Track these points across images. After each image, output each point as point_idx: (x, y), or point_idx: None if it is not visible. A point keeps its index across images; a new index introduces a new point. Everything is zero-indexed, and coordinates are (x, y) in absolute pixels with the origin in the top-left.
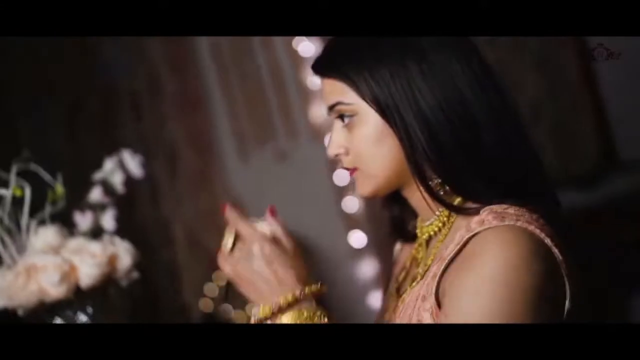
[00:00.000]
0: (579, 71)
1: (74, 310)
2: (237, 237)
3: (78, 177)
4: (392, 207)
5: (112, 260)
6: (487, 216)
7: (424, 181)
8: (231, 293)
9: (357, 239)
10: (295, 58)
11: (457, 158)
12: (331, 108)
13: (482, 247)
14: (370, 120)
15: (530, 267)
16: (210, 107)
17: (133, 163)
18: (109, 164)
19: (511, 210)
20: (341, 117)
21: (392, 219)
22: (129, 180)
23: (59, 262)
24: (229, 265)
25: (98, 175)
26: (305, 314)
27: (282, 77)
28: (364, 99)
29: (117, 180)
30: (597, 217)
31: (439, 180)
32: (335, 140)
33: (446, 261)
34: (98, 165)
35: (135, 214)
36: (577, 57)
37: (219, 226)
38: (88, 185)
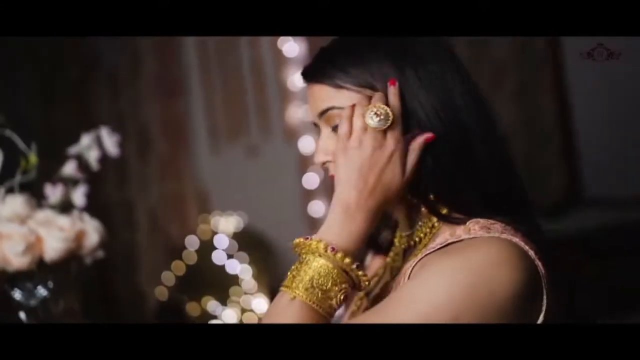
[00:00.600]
0: (554, 104)
1: (35, 283)
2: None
3: (50, 149)
4: None
5: (79, 237)
6: (474, 226)
7: (421, 191)
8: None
9: None
10: (279, 57)
11: (453, 168)
12: (322, 114)
13: (466, 244)
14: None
15: (509, 272)
16: (188, 96)
17: (110, 141)
18: (85, 140)
19: (497, 225)
20: (334, 124)
21: None
22: (104, 158)
23: (25, 232)
24: (342, 142)
25: (73, 150)
26: (331, 269)
27: (264, 75)
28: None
29: (93, 157)
30: (559, 248)
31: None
32: (323, 147)
33: (423, 254)
34: (70, 137)
35: (100, 193)
36: (554, 87)
37: (182, 215)
38: (60, 158)
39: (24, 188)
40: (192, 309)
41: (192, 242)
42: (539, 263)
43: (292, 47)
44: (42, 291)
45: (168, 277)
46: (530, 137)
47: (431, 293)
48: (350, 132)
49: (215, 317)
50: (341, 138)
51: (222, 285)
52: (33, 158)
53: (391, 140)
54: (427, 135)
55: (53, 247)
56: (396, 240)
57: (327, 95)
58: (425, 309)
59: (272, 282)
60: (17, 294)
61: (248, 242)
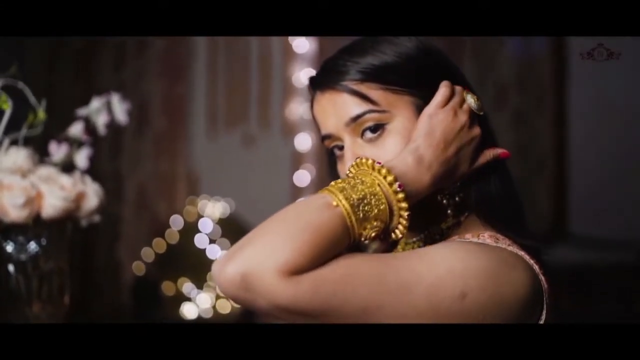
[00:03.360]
0: (550, 140)
1: (28, 238)
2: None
3: (55, 109)
4: None
5: (79, 198)
6: (483, 233)
7: (453, 192)
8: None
9: None
10: (289, 52)
11: (498, 184)
12: (355, 119)
13: (478, 244)
14: (403, 128)
15: (519, 274)
16: (192, 77)
17: (120, 108)
18: (96, 103)
19: (506, 239)
20: (364, 130)
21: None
22: (111, 124)
23: (26, 186)
24: (434, 106)
25: (82, 111)
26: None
27: (270, 67)
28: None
29: (101, 121)
30: None
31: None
32: (356, 154)
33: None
34: (71, 101)
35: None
36: (552, 125)
37: (171, 195)
38: (66, 120)
39: (28, 143)
40: (167, 287)
41: (176, 222)
42: (542, 278)
43: (303, 43)
44: (34, 247)
45: (148, 253)
46: (525, 163)
47: (448, 259)
48: (446, 102)
49: (189, 300)
50: (436, 102)
51: (201, 269)
52: (41, 114)
53: (477, 128)
54: (504, 151)
55: (52, 204)
56: (400, 248)
57: (356, 100)
58: (441, 270)
59: None
60: (9, 246)
61: (232, 230)
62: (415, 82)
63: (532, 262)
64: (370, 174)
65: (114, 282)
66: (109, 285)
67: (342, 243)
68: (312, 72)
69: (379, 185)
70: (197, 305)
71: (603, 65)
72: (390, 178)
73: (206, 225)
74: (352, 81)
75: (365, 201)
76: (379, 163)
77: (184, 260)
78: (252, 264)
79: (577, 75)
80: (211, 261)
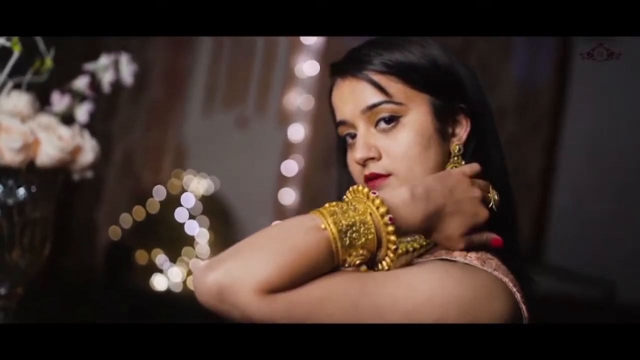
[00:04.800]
0: (538, 165)
1: (18, 183)
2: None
3: (61, 60)
4: None
5: (75, 151)
6: (471, 254)
7: None
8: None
9: None
10: (295, 41)
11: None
12: (372, 107)
13: (462, 267)
14: (418, 123)
15: (498, 306)
16: (195, 51)
17: (127, 69)
18: (104, 60)
19: (493, 261)
20: (379, 120)
21: None
22: (117, 83)
23: (25, 131)
24: (457, 170)
25: (89, 66)
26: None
27: (275, 53)
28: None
29: (106, 79)
30: None
31: None
32: (366, 143)
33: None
34: (78, 56)
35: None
36: (541, 156)
37: (157, 165)
38: (71, 74)
39: (31, 89)
40: (140, 256)
41: (159, 193)
42: (523, 307)
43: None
44: (22, 193)
45: (126, 220)
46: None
47: (427, 286)
48: (472, 175)
49: (160, 271)
50: (463, 169)
51: (177, 243)
52: (48, 62)
53: (485, 212)
54: (497, 238)
55: (48, 153)
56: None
57: (374, 90)
58: (418, 298)
59: None
60: None
61: (213, 208)
62: (436, 87)
63: (514, 290)
64: (364, 202)
65: (89, 243)
66: (83, 244)
67: (325, 266)
68: (316, 65)
69: (370, 214)
70: (168, 278)
71: (602, 100)
72: (382, 209)
73: (188, 200)
74: (373, 71)
75: (354, 228)
76: (374, 193)
77: (161, 232)
78: (231, 277)
79: (575, 107)
80: (188, 237)
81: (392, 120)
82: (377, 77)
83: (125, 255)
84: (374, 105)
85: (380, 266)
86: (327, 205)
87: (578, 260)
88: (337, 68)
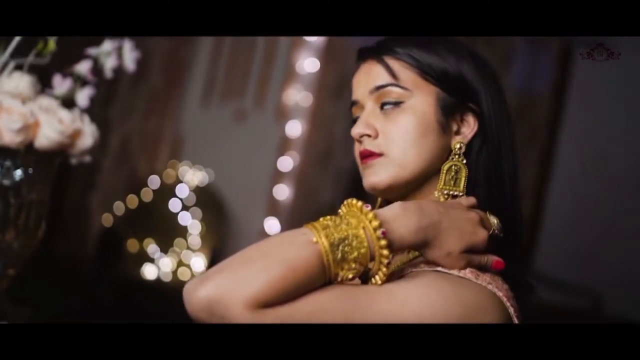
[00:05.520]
0: (532, 175)
1: (15, 164)
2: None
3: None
4: None
5: (75, 135)
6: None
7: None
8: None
9: (271, 225)
10: (296, 38)
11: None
12: (378, 88)
13: (456, 280)
14: (420, 110)
15: (490, 320)
16: (197, 43)
17: (130, 56)
18: (107, 45)
19: (487, 275)
20: (385, 102)
21: None
22: (118, 69)
23: (25, 112)
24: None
25: (92, 51)
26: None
27: (276, 49)
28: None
29: (109, 64)
30: None
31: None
32: (367, 121)
33: (410, 266)
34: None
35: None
36: (538, 164)
37: (154, 154)
38: (73, 57)
39: (32, 70)
40: (131, 245)
41: (154, 182)
42: (516, 320)
43: None
44: (19, 174)
45: (119, 207)
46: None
47: (418, 303)
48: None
49: (151, 261)
50: (459, 200)
51: (169, 233)
52: (52, 44)
53: (484, 233)
54: (499, 260)
55: (47, 135)
56: None
57: (386, 73)
58: (409, 314)
59: (215, 246)
60: None
61: (207, 201)
62: (448, 85)
63: (508, 304)
64: (358, 216)
65: (81, 228)
66: (75, 230)
67: (317, 281)
68: (317, 62)
69: (363, 228)
70: (158, 267)
71: (598, 116)
72: (375, 223)
73: (183, 190)
74: (391, 57)
75: (347, 242)
76: (367, 206)
77: (153, 221)
78: (222, 292)
79: (570, 121)
80: (181, 227)
81: (397, 104)
82: (391, 62)
83: (116, 242)
84: (381, 87)
85: (373, 280)
86: (321, 219)
87: (567, 270)
88: (363, 52)
